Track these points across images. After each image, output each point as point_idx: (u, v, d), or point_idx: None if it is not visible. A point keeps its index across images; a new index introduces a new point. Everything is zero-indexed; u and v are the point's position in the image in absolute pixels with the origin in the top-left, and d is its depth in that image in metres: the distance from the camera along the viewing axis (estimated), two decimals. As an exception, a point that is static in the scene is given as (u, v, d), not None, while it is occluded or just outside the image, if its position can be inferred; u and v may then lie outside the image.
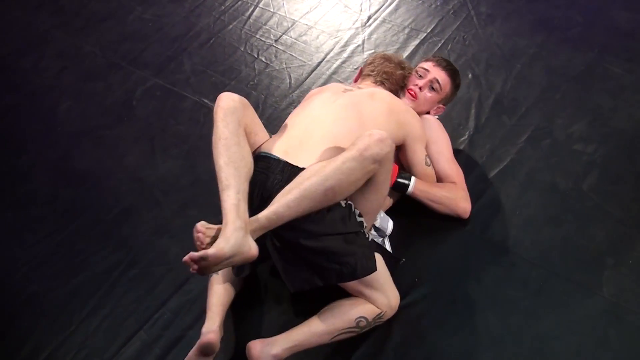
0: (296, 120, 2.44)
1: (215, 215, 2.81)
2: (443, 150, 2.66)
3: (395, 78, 2.70)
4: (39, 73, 3.86)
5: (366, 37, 3.57)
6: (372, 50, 3.47)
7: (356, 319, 2.24)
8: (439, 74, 2.71)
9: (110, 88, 3.67)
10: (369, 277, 2.17)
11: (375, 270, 2.17)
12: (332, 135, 2.30)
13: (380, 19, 3.66)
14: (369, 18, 3.68)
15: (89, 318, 2.61)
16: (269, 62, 3.59)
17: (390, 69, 2.70)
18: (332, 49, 3.56)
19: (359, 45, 3.53)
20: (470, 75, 3.21)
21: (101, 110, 3.53)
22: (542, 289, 2.38)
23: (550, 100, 3.02)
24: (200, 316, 2.49)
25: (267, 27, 3.81)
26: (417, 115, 2.60)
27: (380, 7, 3.72)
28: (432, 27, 3.52)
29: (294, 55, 3.60)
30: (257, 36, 3.77)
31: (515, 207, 2.65)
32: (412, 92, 2.69)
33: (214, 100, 2.28)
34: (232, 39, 3.78)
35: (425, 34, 3.49)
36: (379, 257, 2.29)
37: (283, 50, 3.59)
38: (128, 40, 3.95)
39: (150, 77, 3.64)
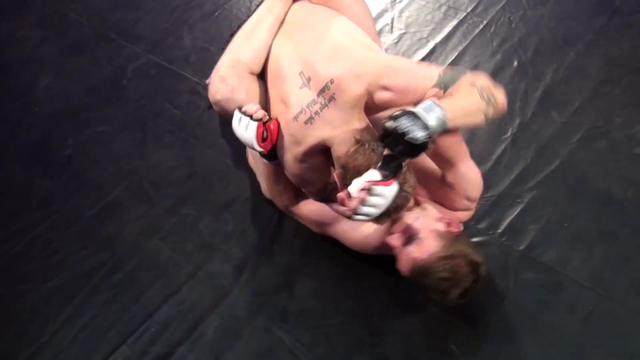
0: None
1: (213, 214, 2.83)
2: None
3: None
4: (16, 43, 3.87)
5: (396, 15, 3.55)
6: (403, 31, 3.46)
7: None
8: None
9: (97, 63, 3.67)
10: None
11: None
12: None
13: (413, -6, 3.65)
14: (400, -7, 3.68)
15: (65, 328, 2.62)
16: (282, 40, 3.58)
17: None
18: (356, 27, 3.54)
19: (387, 24, 3.52)
20: (515, 63, 3.18)
21: (86, 89, 3.54)
22: (593, 314, 2.38)
23: (608, 95, 3.00)
24: (193, 330, 2.50)
25: (281, -1, 3.79)
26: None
27: (414, -19, 3.71)
28: (473, 5, 3.50)
29: (311, 32, 3.59)
30: (270, 9, 3.76)
31: (564, 219, 2.64)
32: None
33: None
34: (241, 12, 3.77)
35: (465, 14, 3.47)
36: None
37: (299, 27, 3.58)
38: (120, 9, 3.95)
39: (144, 52, 3.64)
